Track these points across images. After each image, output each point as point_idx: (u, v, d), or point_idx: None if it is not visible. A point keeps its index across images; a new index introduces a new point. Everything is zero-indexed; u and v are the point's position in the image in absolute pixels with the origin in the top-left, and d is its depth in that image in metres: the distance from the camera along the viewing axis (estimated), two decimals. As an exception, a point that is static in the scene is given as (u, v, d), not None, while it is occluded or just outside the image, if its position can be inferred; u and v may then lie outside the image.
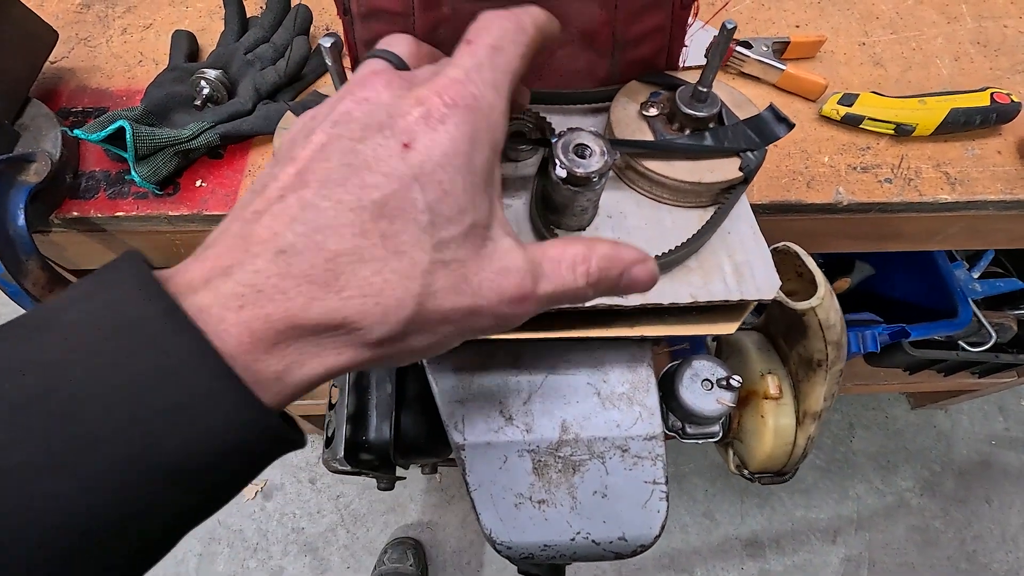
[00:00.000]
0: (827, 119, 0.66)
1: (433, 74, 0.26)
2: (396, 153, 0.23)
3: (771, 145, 0.40)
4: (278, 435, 0.23)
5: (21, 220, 0.55)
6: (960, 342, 1.22)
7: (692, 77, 0.39)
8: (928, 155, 0.65)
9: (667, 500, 0.41)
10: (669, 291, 0.36)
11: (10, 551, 0.19)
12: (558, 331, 0.38)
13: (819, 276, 0.43)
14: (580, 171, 0.31)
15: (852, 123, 0.65)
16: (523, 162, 0.40)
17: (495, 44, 0.26)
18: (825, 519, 1.60)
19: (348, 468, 0.47)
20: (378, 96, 0.25)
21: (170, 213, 0.60)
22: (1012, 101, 0.63)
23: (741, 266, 0.37)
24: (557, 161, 0.31)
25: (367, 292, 0.22)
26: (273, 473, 1.60)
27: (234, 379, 0.21)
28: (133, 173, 0.57)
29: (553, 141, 0.32)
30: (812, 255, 0.54)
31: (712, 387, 0.45)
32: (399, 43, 0.30)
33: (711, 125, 0.38)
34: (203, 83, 0.62)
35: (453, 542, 1.54)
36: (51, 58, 0.65)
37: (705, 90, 0.37)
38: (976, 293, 1.18)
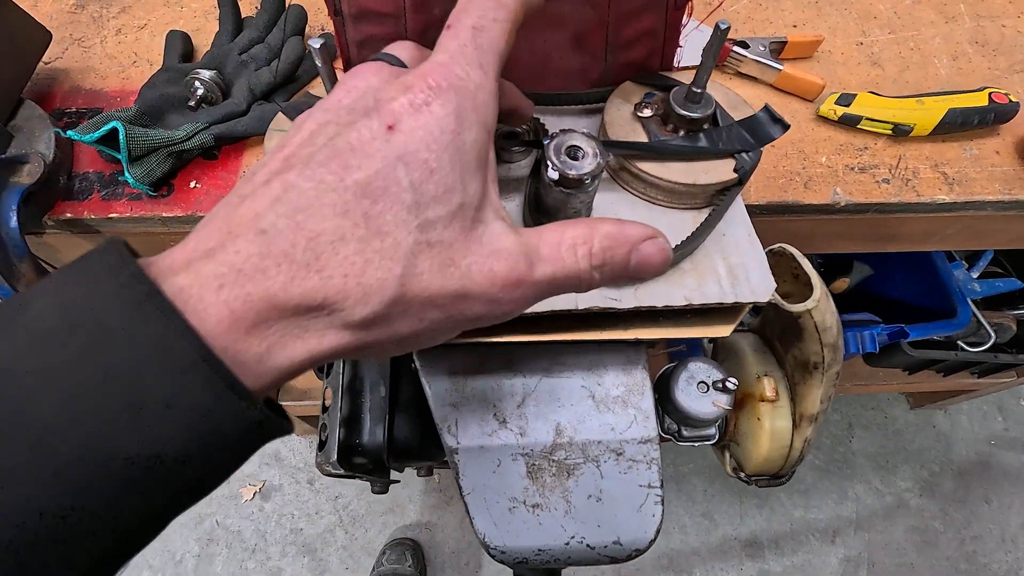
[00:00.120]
0: (824, 119, 0.66)
1: (421, 64, 0.25)
2: (380, 135, 0.23)
3: (768, 145, 0.39)
4: (260, 422, 0.22)
5: (14, 222, 0.54)
6: (959, 342, 1.22)
7: (687, 77, 0.38)
8: (926, 155, 0.64)
9: (662, 504, 0.40)
10: (663, 294, 0.36)
11: None
12: (552, 334, 0.38)
13: (815, 278, 0.43)
14: (572, 173, 0.31)
15: (850, 123, 0.65)
16: (516, 164, 0.40)
17: (476, 24, 0.26)
18: (824, 519, 1.60)
19: (342, 472, 0.46)
20: (366, 83, 0.25)
21: (164, 214, 0.59)
22: (1010, 101, 0.63)
23: (736, 268, 0.36)
24: (549, 163, 0.31)
25: (348, 272, 0.22)
26: (271, 474, 1.60)
27: (213, 359, 0.21)
28: (127, 174, 0.56)
29: (545, 143, 0.31)
30: (810, 256, 0.54)
31: (708, 390, 0.45)
32: (401, 48, 0.30)
33: (705, 126, 0.38)
34: (197, 84, 0.62)
35: (451, 543, 1.54)
36: (45, 59, 0.65)
37: (699, 91, 0.36)
38: (975, 293, 1.18)
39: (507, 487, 0.40)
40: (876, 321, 1.15)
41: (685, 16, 0.39)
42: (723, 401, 0.44)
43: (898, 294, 1.25)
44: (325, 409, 0.49)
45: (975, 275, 1.20)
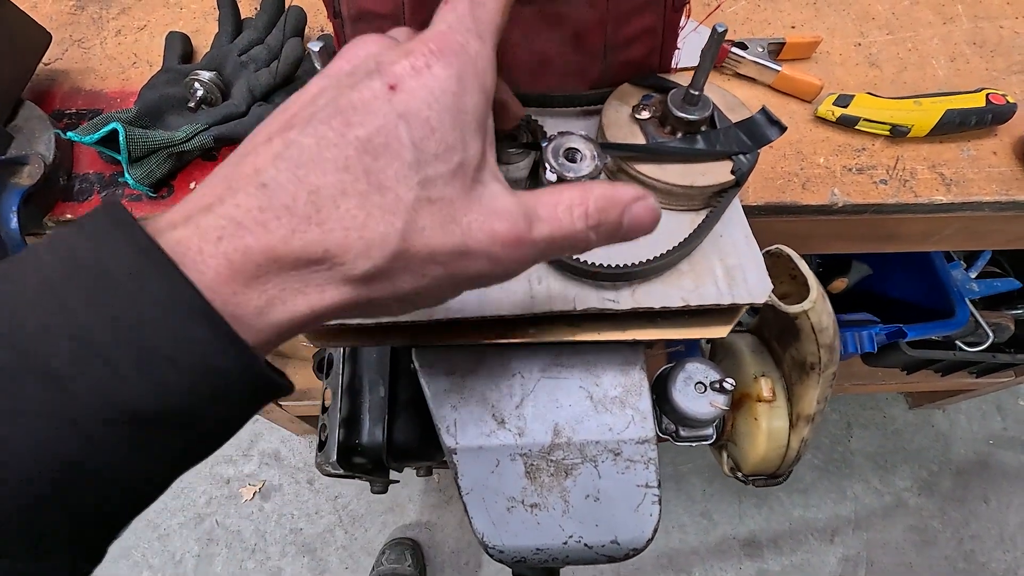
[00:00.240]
0: (823, 120, 0.66)
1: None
2: (382, 94, 0.23)
3: (766, 146, 0.39)
4: (258, 376, 0.22)
5: (14, 223, 0.55)
6: (957, 342, 1.22)
7: (685, 78, 0.39)
8: (924, 156, 0.65)
9: (659, 504, 0.41)
10: (661, 295, 0.36)
11: None
12: (550, 335, 0.38)
13: (811, 279, 0.43)
14: (570, 175, 0.31)
15: (848, 124, 0.65)
16: (515, 165, 0.40)
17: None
18: (823, 519, 1.60)
19: (341, 472, 0.47)
20: (367, 51, 0.26)
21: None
22: (1008, 102, 0.63)
23: (733, 269, 0.37)
24: (547, 165, 0.31)
25: (349, 225, 0.22)
26: (271, 474, 1.60)
27: (211, 315, 0.21)
28: (127, 175, 0.57)
29: (543, 145, 0.32)
30: (808, 256, 0.54)
31: (705, 390, 0.45)
32: (398, 32, 0.30)
33: (703, 128, 0.38)
34: (197, 85, 0.62)
35: (451, 542, 1.54)
36: (45, 59, 0.65)
37: (697, 93, 0.37)
38: (973, 293, 1.18)
39: (505, 487, 0.41)
40: (874, 321, 1.16)
41: (683, 18, 0.39)
42: (720, 401, 0.44)
43: (896, 294, 1.25)
44: (325, 409, 0.49)
45: (973, 275, 1.21)
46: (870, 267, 1.27)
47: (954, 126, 0.63)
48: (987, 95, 0.64)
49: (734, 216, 0.39)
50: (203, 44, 0.70)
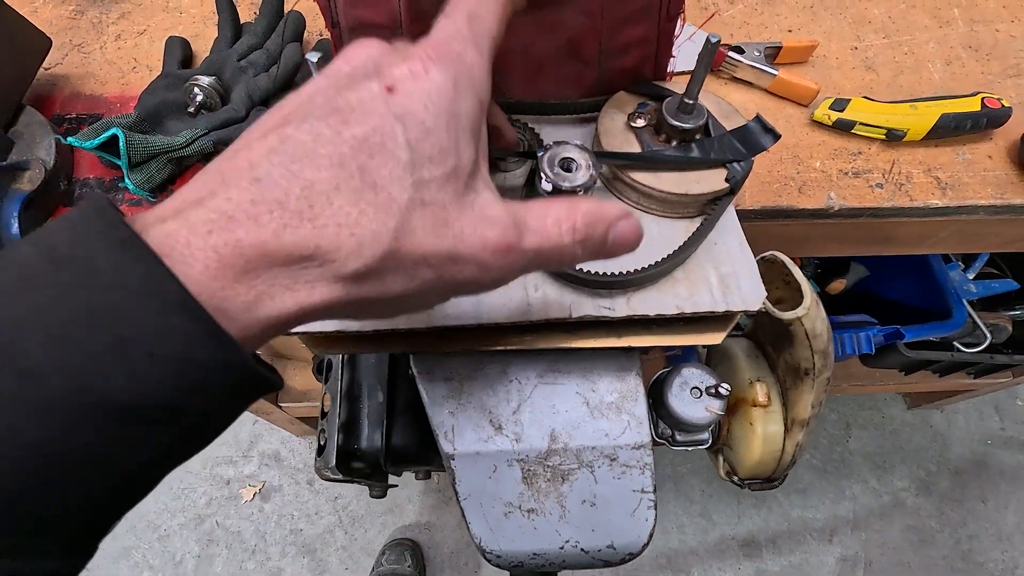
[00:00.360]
0: (819, 124, 0.66)
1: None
2: (380, 96, 0.23)
3: (762, 151, 0.40)
4: (242, 370, 0.22)
5: (15, 228, 0.55)
6: (955, 343, 1.22)
7: (682, 82, 0.39)
8: (919, 160, 0.65)
9: (655, 509, 0.41)
10: (655, 302, 0.36)
11: None
12: (546, 342, 0.39)
13: (805, 286, 0.43)
14: (566, 185, 0.31)
15: (844, 128, 0.65)
16: (511, 173, 0.41)
17: (471, 12, 0.27)
18: (821, 519, 1.60)
19: (340, 477, 0.47)
20: (367, 53, 0.26)
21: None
22: (1003, 106, 0.64)
23: (727, 277, 0.37)
24: (543, 175, 0.32)
25: (342, 222, 0.22)
26: (271, 475, 1.60)
27: (192, 306, 0.20)
28: (127, 180, 0.57)
29: (539, 155, 0.32)
30: (805, 258, 0.53)
31: (701, 395, 0.45)
32: (399, 44, 0.31)
33: (698, 136, 0.38)
34: (197, 90, 0.62)
35: (451, 543, 1.54)
36: (45, 64, 0.65)
37: (691, 102, 0.37)
38: (971, 294, 1.19)
39: (503, 492, 0.41)
40: (872, 322, 1.16)
41: (679, 26, 0.39)
42: (716, 407, 0.45)
43: (894, 295, 1.26)
44: (324, 415, 0.49)
45: (971, 276, 1.21)
46: (868, 268, 1.27)
47: (949, 130, 0.64)
48: (982, 99, 0.64)
49: (728, 223, 0.39)
50: (202, 48, 0.71)
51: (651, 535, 0.41)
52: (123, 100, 0.67)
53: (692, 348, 0.63)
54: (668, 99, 0.38)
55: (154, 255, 0.20)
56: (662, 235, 0.39)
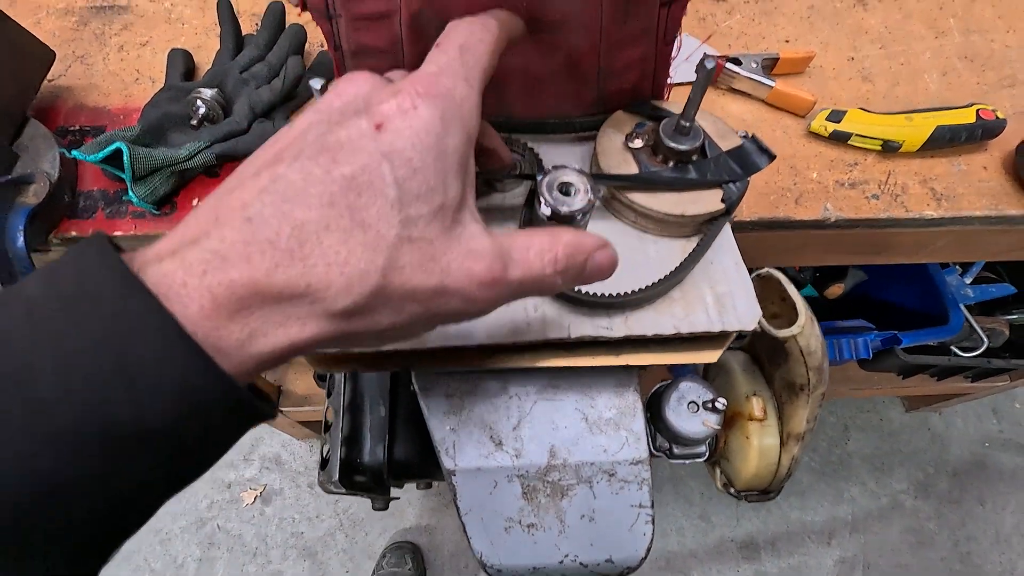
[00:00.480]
0: (816, 135, 0.67)
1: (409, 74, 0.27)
2: (368, 133, 0.24)
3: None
4: (238, 402, 0.23)
5: (20, 242, 0.55)
6: (952, 347, 1.23)
7: (678, 99, 0.39)
8: (915, 171, 0.66)
9: (653, 523, 0.42)
10: (653, 322, 0.37)
11: None
12: (545, 360, 0.39)
13: (800, 304, 0.44)
14: (564, 209, 0.32)
15: (840, 139, 0.66)
16: (510, 192, 0.41)
17: (463, 44, 0.28)
18: (820, 521, 1.61)
19: (344, 490, 0.48)
20: (357, 88, 0.27)
21: (167, 233, 0.60)
22: (997, 117, 0.64)
23: (723, 297, 0.38)
24: (542, 199, 0.32)
25: (331, 261, 0.23)
26: (272, 478, 1.61)
27: (189, 342, 0.21)
28: (131, 193, 0.57)
29: (539, 179, 0.33)
30: (803, 267, 0.54)
31: (698, 409, 0.46)
32: (395, 74, 0.32)
33: (694, 157, 0.39)
34: (199, 103, 0.63)
35: (451, 546, 1.55)
36: (48, 76, 0.66)
37: (688, 124, 0.37)
38: (968, 299, 1.19)
39: (503, 507, 0.42)
40: (870, 328, 1.16)
41: (675, 49, 0.40)
42: (712, 421, 0.45)
43: (892, 299, 1.26)
44: (328, 427, 0.50)
45: (968, 280, 1.21)
46: (866, 273, 1.28)
47: (945, 141, 0.64)
48: (977, 110, 0.65)
49: (724, 243, 0.40)
50: (204, 60, 0.71)
51: (649, 549, 0.42)
52: (126, 112, 0.68)
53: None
54: (665, 121, 0.39)
55: (153, 296, 0.21)
56: (659, 254, 0.39)
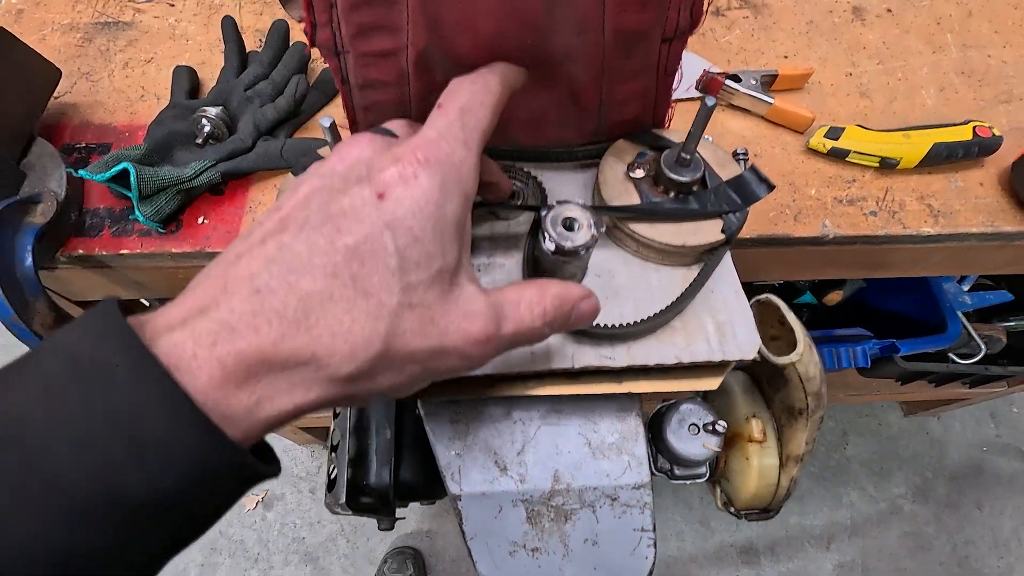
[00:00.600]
0: (814, 152, 0.67)
1: (411, 137, 0.28)
2: (371, 202, 0.25)
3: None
4: (246, 469, 0.24)
5: (29, 262, 0.56)
6: (950, 354, 1.24)
7: (682, 109, 0.40)
8: (912, 187, 0.66)
9: (655, 547, 0.42)
10: (655, 352, 0.37)
11: None
12: (549, 389, 0.40)
13: (799, 331, 0.44)
14: (567, 245, 0.33)
15: (838, 156, 0.66)
16: (514, 220, 0.42)
17: (464, 106, 0.29)
18: (819, 526, 1.62)
19: (350, 512, 0.48)
20: (360, 153, 0.28)
21: (173, 250, 0.61)
22: (993, 135, 0.65)
23: (723, 325, 0.38)
24: (546, 234, 0.33)
25: (336, 330, 0.24)
26: (274, 484, 1.61)
27: (199, 417, 0.22)
28: (137, 212, 0.58)
29: (543, 214, 0.33)
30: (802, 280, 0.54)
31: (699, 432, 0.47)
32: (396, 125, 0.33)
33: (695, 188, 0.40)
34: (204, 121, 0.63)
35: (452, 551, 1.56)
36: (54, 93, 0.66)
37: (689, 156, 0.38)
38: (966, 306, 1.20)
39: (508, 532, 0.42)
40: (868, 336, 1.17)
41: (676, 81, 0.40)
42: (713, 443, 0.46)
43: (890, 306, 1.27)
44: (334, 449, 0.50)
45: (966, 288, 1.22)
46: (864, 280, 1.29)
47: (942, 158, 0.65)
48: (974, 128, 0.65)
49: (724, 272, 0.40)
50: (209, 75, 0.71)
51: (651, 572, 0.42)
52: (131, 129, 0.68)
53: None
54: (666, 152, 0.39)
55: (164, 369, 0.22)
56: (661, 283, 0.40)
